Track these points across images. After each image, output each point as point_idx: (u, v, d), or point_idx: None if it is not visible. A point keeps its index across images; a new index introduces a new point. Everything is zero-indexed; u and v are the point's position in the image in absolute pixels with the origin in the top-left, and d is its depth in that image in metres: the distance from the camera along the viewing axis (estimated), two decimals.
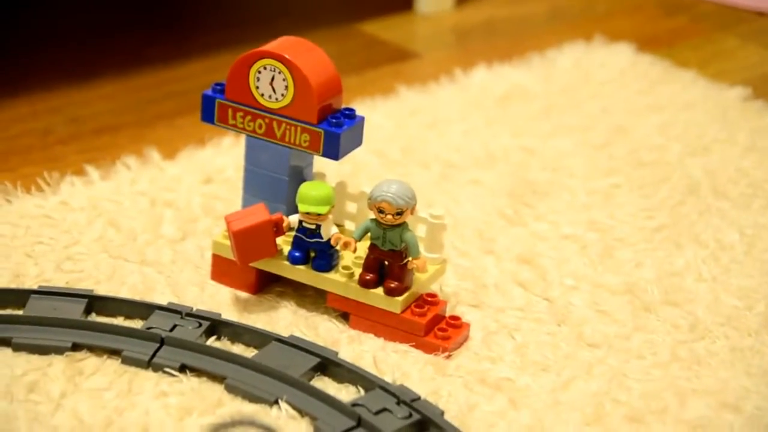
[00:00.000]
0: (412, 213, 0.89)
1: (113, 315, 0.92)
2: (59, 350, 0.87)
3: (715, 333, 0.98)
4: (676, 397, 0.89)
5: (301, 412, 0.83)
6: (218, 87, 0.95)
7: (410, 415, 0.82)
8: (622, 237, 1.13)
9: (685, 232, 1.16)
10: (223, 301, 0.95)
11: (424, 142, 1.31)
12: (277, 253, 0.93)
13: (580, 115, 1.40)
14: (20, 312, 0.91)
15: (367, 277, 0.90)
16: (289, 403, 0.84)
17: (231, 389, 0.84)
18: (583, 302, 1.01)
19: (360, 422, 0.82)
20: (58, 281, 0.97)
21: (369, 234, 0.91)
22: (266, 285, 0.96)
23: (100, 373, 0.86)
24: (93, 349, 0.88)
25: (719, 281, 1.07)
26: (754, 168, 1.30)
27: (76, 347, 0.88)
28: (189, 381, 0.86)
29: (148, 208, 1.09)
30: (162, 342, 0.88)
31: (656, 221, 1.18)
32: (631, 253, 1.10)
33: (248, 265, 0.93)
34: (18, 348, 0.87)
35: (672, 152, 1.29)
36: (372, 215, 0.90)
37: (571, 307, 0.99)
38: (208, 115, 0.96)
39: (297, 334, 0.90)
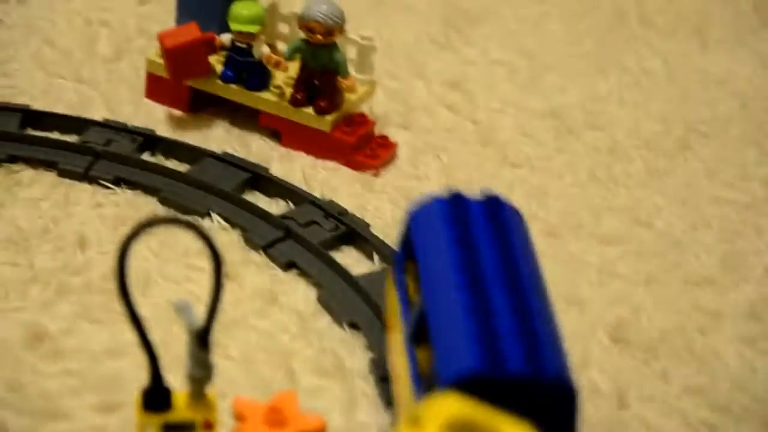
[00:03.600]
0: (341, 33, 0.91)
1: (49, 130, 0.94)
2: None
3: (632, 155, 1.02)
4: (592, 214, 0.94)
5: (233, 224, 0.87)
6: None
7: (337, 228, 0.86)
8: (549, 63, 1.15)
9: (610, 59, 1.18)
10: (157, 118, 0.97)
11: None
12: (211, 73, 0.94)
13: None
14: None
15: (298, 96, 0.92)
16: (221, 215, 0.87)
17: (165, 202, 0.88)
18: (508, 125, 1.03)
19: (288, 233, 0.86)
20: None
21: (302, 55, 0.93)
22: (200, 104, 0.98)
23: (36, 185, 0.89)
24: (29, 162, 0.91)
25: (640, 106, 1.10)
26: None
27: (12, 159, 0.90)
28: (124, 193, 0.89)
29: (83, 26, 1.09)
30: (97, 156, 0.91)
31: (582, 48, 1.19)
32: (557, 79, 1.12)
33: (182, 82, 0.95)
34: None
35: None
36: (302, 35, 0.91)
37: (497, 130, 1.02)
38: None
39: (230, 151, 0.93)
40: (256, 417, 0.66)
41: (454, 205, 0.68)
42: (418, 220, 0.69)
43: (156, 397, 0.62)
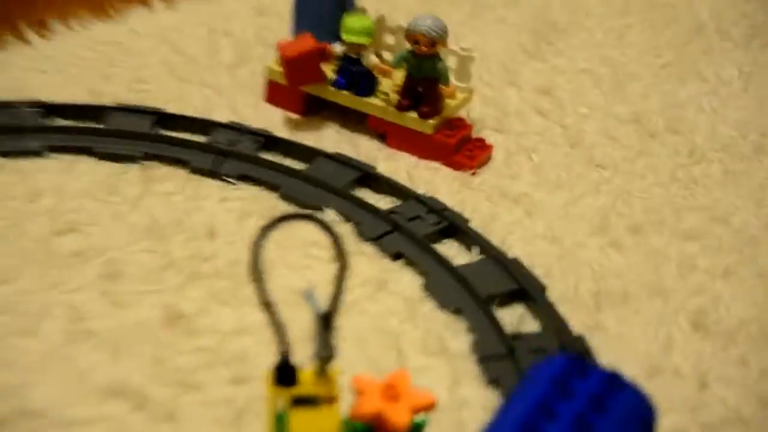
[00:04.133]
0: (443, 45, 0.90)
1: (179, 130, 0.95)
2: (133, 159, 0.91)
3: (710, 158, 1.01)
4: (673, 212, 0.92)
5: (346, 218, 0.87)
6: None
7: (439, 222, 0.86)
8: (632, 72, 1.15)
9: (689, 69, 1.17)
10: (275, 121, 0.97)
11: None
12: (324, 80, 0.94)
13: None
14: (99, 126, 0.94)
15: (404, 102, 0.92)
16: (335, 210, 0.87)
17: (284, 197, 0.88)
18: (595, 129, 1.03)
19: (396, 227, 0.86)
20: (130, 100, 0.99)
21: (407, 64, 0.92)
22: (314, 108, 0.98)
23: (170, 180, 0.90)
24: (163, 159, 0.92)
25: (718, 113, 1.09)
26: (755, 12, 1.29)
27: (148, 157, 0.91)
28: (248, 189, 0.90)
29: (207, 36, 1.11)
30: (224, 154, 0.92)
31: (663, 58, 1.19)
32: (640, 87, 1.12)
33: (298, 88, 0.95)
34: (98, 156, 0.91)
35: None
36: (408, 46, 0.91)
37: (584, 133, 1.02)
38: None
39: (341, 151, 0.93)
40: (373, 392, 0.65)
41: (569, 370, 0.64)
42: (531, 377, 0.65)
43: (285, 373, 0.63)
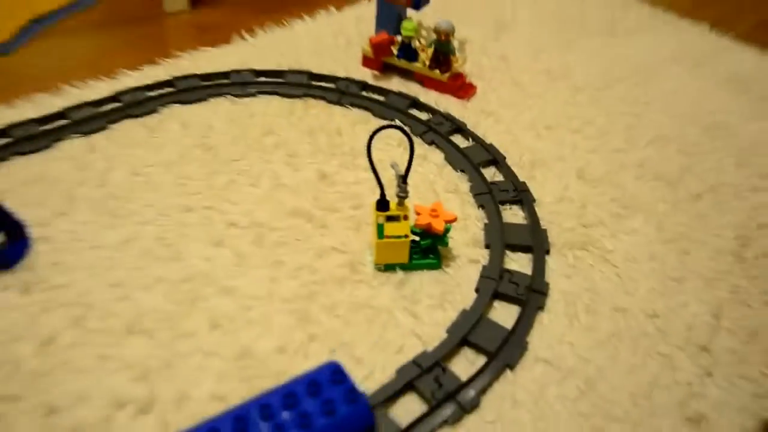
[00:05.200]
0: (452, 36, 1.01)
1: (321, 81, 1.03)
2: (300, 96, 0.99)
3: (583, 89, 1.04)
4: (566, 119, 0.99)
5: (406, 125, 0.95)
6: None
7: (452, 125, 0.94)
8: (545, 47, 1.13)
9: (582, 44, 1.18)
10: (367, 75, 1.08)
11: (469, 7, 1.29)
12: (391, 54, 1.07)
13: None
14: (283, 80, 1.02)
15: (432, 65, 1.04)
16: (401, 121, 0.96)
17: (375, 115, 0.97)
18: (527, 78, 1.07)
19: (430, 128, 0.94)
20: (302, 65, 1.05)
21: (434, 45, 1.03)
22: (386, 69, 1.08)
23: (316, 108, 0.98)
24: (313, 96, 1.00)
25: (590, 67, 1.10)
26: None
27: (306, 95, 0.99)
28: (356, 111, 0.99)
29: (333, 32, 1.17)
30: (343, 93, 1.01)
31: (563, 36, 1.20)
32: (549, 55, 1.12)
33: (379, 59, 1.07)
34: (282, 96, 1.00)
35: None
36: (434, 36, 1.03)
37: (522, 79, 1.05)
38: None
39: (402, 90, 1.03)
40: (425, 213, 0.74)
41: (330, 376, 0.59)
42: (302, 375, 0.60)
43: (382, 204, 0.73)
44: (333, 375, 0.55)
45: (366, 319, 0.71)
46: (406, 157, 0.69)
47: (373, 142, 0.66)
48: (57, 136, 0.93)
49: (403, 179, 0.69)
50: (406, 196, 0.71)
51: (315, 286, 0.74)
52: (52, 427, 0.61)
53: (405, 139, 0.87)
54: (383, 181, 0.71)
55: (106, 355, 0.67)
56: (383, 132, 0.68)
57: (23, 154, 0.90)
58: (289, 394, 0.54)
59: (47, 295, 0.72)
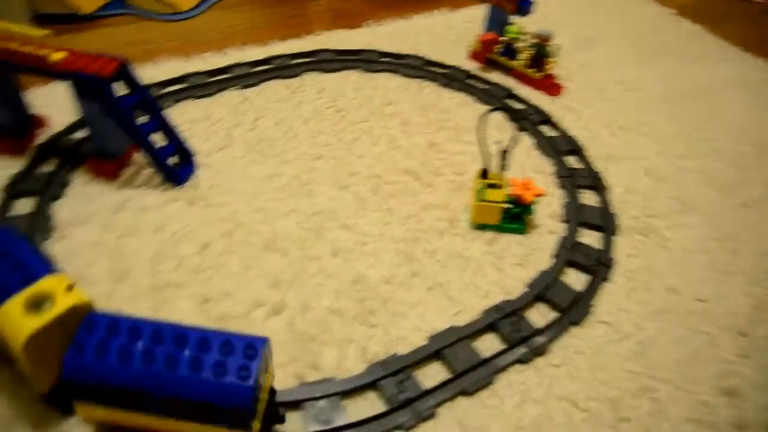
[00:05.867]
0: (549, 41, 0.97)
1: (436, 67, 1.00)
2: (416, 78, 0.97)
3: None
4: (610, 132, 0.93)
5: (503, 110, 0.94)
6: None
7: (541, 116, 0.92)
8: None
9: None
10: (473, 67, 1.03)
11: (563, 21, 1.21)
12: (496, 52, 1.02)
13: None
14: (403, 61, 1.00)
15: (530, 64, 0.99)
16: (500, 109, 0.94)
17: (479, 100, 0.94)
18: (603, 81, 1.02)
19: (524, 117, 0.91)
20: (424, 53, 1.02)
21: (533, 48, 0.99)
22: (490, 63, 1.04)
23: (429, 88, 0.96)
24: (428, 79, 0.97)
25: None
26: None
27: (422, 77, 0.98)
28: (462, 95, 0.95)
29: (446, 29, 1.13)
30: (451, 78, 0.98)
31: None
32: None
33: (484, 54, 1.04)
34: (401, 74, 0.98)
35: None
36: (535, 40, 0.98)
37: (599, 82, 1.01)
38: None
39: (501, 83, 0.99)
40: (519, 185, 0.73)
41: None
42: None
43: (485, 173, 0.73)
44: (247, 349, 0.46)
45: (459, 266, 0.70)
46: (503, 137, 0.71)
47: (482, 120, 0.67)
48: (220, 86, 0.94)
49: (503, 154, 0.70)
50: (505, 169, 0.71)
51: (419, 233, 0.73)
52: (205, 312, 0.63)
53: (502, 123, 0.87)
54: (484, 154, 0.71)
55: (249, 264, 0.67)
56: (485, 114, 0.69)
57: (195, 98, 0.92)
58: (203, 340, 0.46)
59: (206, 210, 0.73)
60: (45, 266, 0.49)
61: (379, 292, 0.65)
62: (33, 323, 0.45)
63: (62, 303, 0.47)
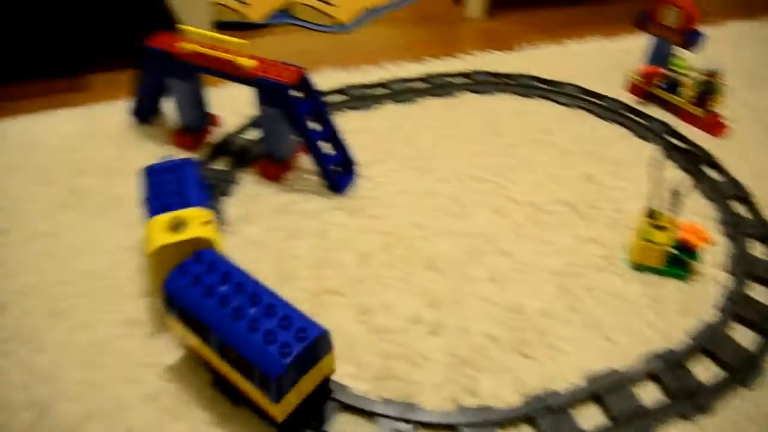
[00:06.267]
0: (718, 77, 0.92)
1: (593, 97, 0.98)
2: (567, 105, 0.96)
3: None
4: None
5: (663, 147, 0.90)
6: (646, 14, 0.97)
7: (697, 154, 0.87)
8: None
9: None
10: (627, 99, 0.99)
11: (733, 58, 1.13)
12: (658, 86, 0.97)
13: None
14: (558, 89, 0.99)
15: (696, 102, 0.95)
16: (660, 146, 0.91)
17: (641, 136, 0.92)
18: None
19: (691, 154, 0.88)
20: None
21: (700, 85, 0.94)
22: (650, 98, 0.99)
23: (582, 117, 0.95)
24: (583, 108, 0.97)
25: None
26: None
27: (572, 105, 0.96)
28: (613, 126, 0.93)
29: (608, 59, 1.09)
30: (609, 110, 0.96)
31: None
32: None
33: (645, 87, 0.99)
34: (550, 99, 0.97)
35: None
36: (703, 77, 0.94)
37: None
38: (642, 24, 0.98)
39: (661, 119, 0.95)
40: (687, 229, 0.69)
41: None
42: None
43: (651, 212, 0.71)
44: (300, 331, 0.49)
45: (616, 306, 0.68)
46: (662, 175, 0.69)
47: (646, 157, 0.69)
48: (378, 100, 0.97)
49: (676, 197, 0.68)
50: (677, 211, 0.69)
51: (576, 267, 0.72)
52: (364, 323, 0.64)
53: (662, 160, 0.84)
54: (644, 192, 0.71)
55: (407, 279, 0.68)
56: (645, 149, 0.73)
57: (353, 109, 0.95)
58: (270, 307, 0.50)
59: (366, 221, 0.75)
60: (200, 200, 0.59)
61: (535, 323, 0.65)
62: (163, 239, 0.55)
63: (191, 232, 0.55)
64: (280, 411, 0.49)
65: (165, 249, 0.55)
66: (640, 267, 0.71)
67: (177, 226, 0.57)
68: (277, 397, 0.48)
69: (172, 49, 0.78)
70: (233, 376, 0.51)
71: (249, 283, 0.51)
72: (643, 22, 0.99)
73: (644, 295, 0.68)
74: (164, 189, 0.60)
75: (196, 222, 0.57)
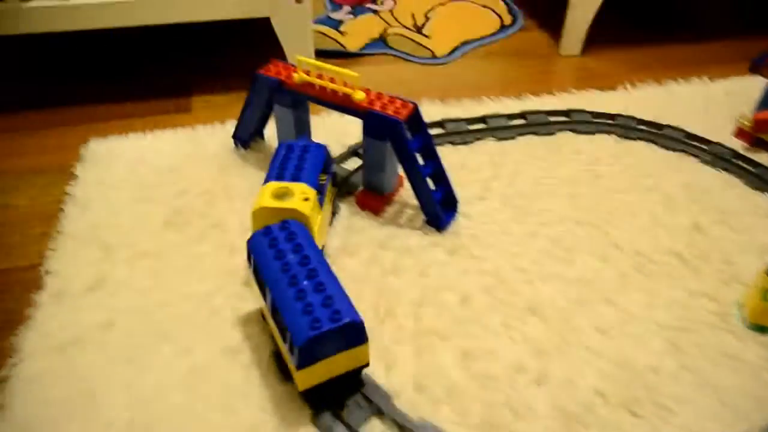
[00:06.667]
0: None
1: (701, 143, 0.94)
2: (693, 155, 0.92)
3: None
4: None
5: (753, 179, 0.85)
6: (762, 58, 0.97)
7: None
8: None
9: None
10: (736, 145, 0.94)
11: None
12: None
13: None
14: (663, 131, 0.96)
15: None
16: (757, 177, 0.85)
17: (741, 180, 0.89)
18: None
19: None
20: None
21: None
22: (760, 144, 0.95)
23: (690, 162, 0.91)
24: (689, 154, 0.93)
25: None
26: None
27: (681, 151, 0.93)
28: (712, 171, 0.90)
29: (706, 103, 1.04)
30: (717, 156, 0.92)
31: None
32: None
33: (756, 134, 0.94)
34: (660, 146, 0.94)
35: None
36: None
37: None
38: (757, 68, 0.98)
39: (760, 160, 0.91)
40: None
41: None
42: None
43: None
44: (335, 313, 0.53)
45: (732, 368, 0.65)
46: None
47: (756, 207, 0.67)
48: (477, 135, 0.96)
49: None
50: None
51: (686, 323, 0.69)
52: (466, 368, 0.64)
53: None
54: (758, 245, 0.69)
55: (511, 325, 0.67)
56: (756, 198, 0.71)
57: (452, 144, 0.94)
58: (320, 284, 0.55)
59: (467, 261, 0.74)
60: (311, 179, 0.66)
61: (645, 379, 0.63)
62: (266, 203, 0.64)
63: (289, 203, 0.63)
64: (301, 380, 0.53)
65: (265, 210, 0.64)
66: (758, 327, 0.69)
67: (283, 195, 0.65)
68: (299, 364, 0.52)
69: (284, 78, 0.79)
70: (276, 336, 0.57)
71: (314, 259, 0.57)
72: (758, 66, 0.98)
73: (763, 358, 0.66)
74: (288, 162, 0.69)
75: (299, 196, 0.65)
